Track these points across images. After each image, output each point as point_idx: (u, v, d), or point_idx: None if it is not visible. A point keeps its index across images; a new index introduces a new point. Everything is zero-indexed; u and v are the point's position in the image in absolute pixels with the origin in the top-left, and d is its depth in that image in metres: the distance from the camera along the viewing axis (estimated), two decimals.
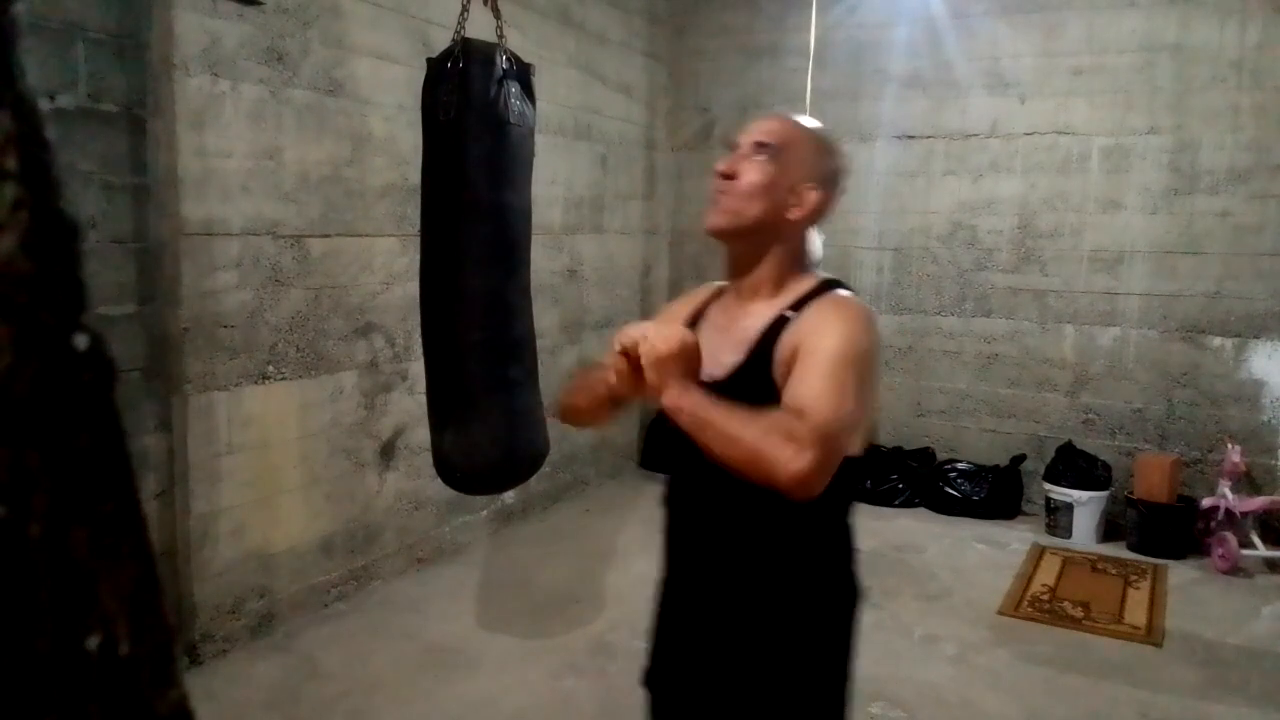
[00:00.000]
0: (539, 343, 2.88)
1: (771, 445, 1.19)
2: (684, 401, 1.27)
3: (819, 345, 1.28)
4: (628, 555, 4.17)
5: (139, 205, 2.85)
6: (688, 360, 1.29)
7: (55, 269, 0.40)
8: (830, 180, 1.46)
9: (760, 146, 1.42)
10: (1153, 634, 3.49)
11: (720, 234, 1.43)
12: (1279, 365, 4.40)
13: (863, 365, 1.29)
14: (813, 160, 1.44)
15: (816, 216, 1.45)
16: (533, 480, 3.17)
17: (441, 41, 2.83)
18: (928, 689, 3.05)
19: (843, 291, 1.42)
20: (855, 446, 1.36)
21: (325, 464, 3.46)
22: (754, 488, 1.23)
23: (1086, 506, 4.48)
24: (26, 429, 0.38)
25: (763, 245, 1.42)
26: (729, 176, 1.41)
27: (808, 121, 1.49)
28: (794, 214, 1.42)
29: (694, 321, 1.50)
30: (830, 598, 1.46)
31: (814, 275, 1.46)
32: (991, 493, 4.77)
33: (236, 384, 3.08)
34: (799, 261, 1.46)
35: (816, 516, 1.38)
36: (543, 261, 4.11)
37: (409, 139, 3.38)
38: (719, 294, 1.55)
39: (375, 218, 3.58)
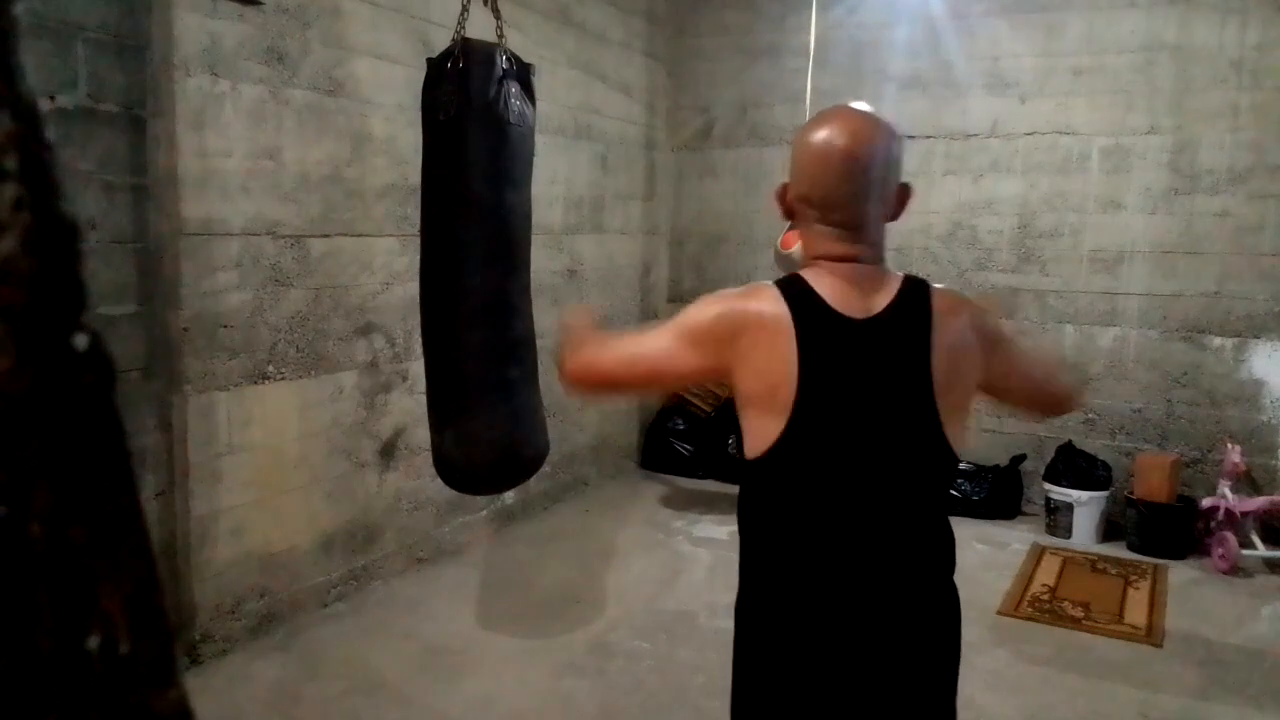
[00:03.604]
0: (539, 343, 2.88)
1: (564, 355, 1.49)
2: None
3: None
4: (628, 555, 4.17)
5: (139, 205, 2.85)
6: (577, 328, 1.59)
7: (55, 269, 0.40)
8: (793, 173, 1.45)
9: None
10: (1153, 634, 3.49)
11: None
12: (1279, 365, 4.40)
13: (678, 324, 1.40)
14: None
15: (782, 211, 1.48)
16: (533, 480, 3.17)
17: (441, 41, 2.83)
18: None
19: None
20: (750, 447, 1.37)
21: (325, 464, 3.46)
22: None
23: (1086, 506, 4.48)
24: (26, 429, 0.38)
25: None
26: None
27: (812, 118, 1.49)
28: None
29: None
30: (747, 599, 1.45)
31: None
32: (991, 493, 4.77)
33: (236, 384, 3.08)
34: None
35: (750, 509, 1.44)
36: (543, 261, 4.11)
37: (409, 139, 3.38)
38: None
39: (375, 218, 3.58)
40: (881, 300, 1.36)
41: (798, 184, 1.42)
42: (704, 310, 1.39)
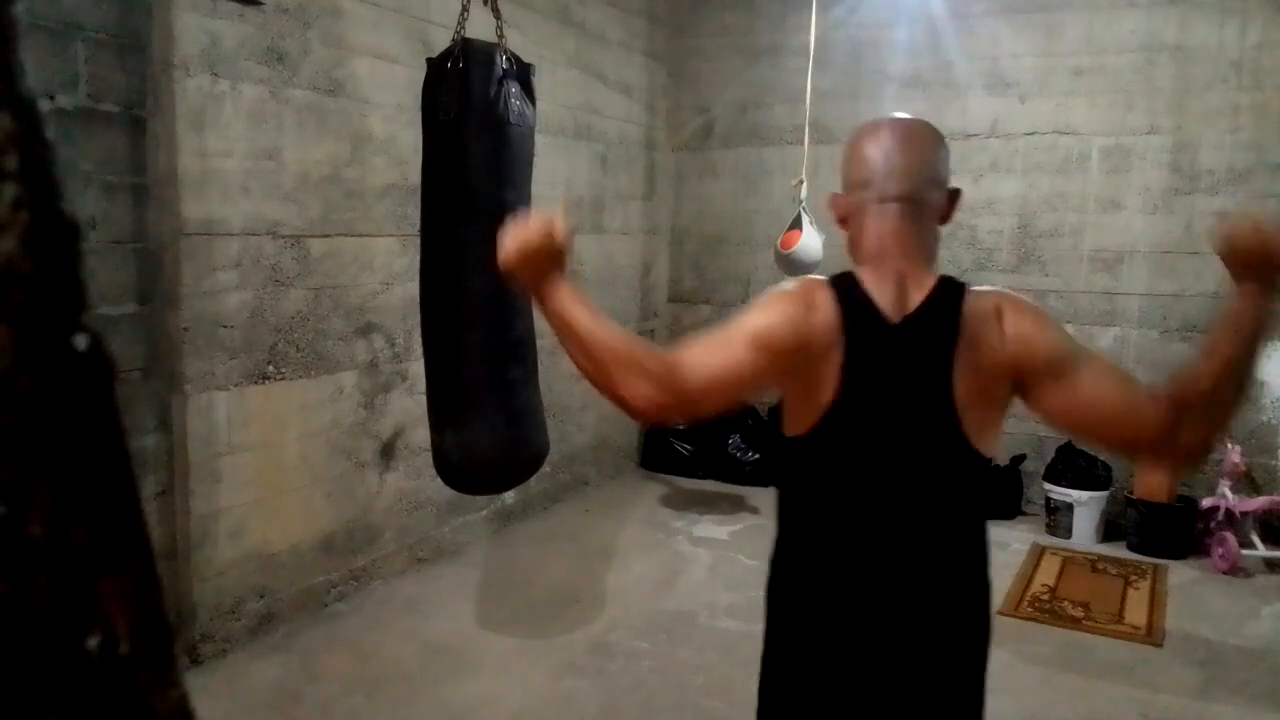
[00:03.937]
0: (539, 343, 2.88)
1: (623, 371, 1.27)
2: (550, 304, 1.32)
3: None
4: (628, 555, 4.17)
5: (139, 205, 2.85)
6: (547, 256, 1.31)
7: (55, 269, 0.40)
8: (845, 171, 1.47)
9: None
10: (1153, 634, 3.49)
11: None
12: (1279, 365, 4.40)
13: (736, 326, 1.35)
14: None
15: (837, 218, 1.50)
16: (533, 480, 3.17)
17: (441, 41, 2.83)
18: None
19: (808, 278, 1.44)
20: (788, 426, 1.39)
21: (325, 464, 3.46)
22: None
23: (1086, 506, 4.48)
24: (27, 429, 0.38)
25: None
26: None
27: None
28: None
29: None
30: (776, 608, 1.48)
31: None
32: (991, 493, 4.77)
33: (236, 384, 3.08)
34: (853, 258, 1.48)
35: (782, 486, 1.47)
36: None
37: (409, 139, 3.38)
38: None
39: (375, 218, 3.58)
40: (914, 303, 1.37)
41: (851, 173, 1.45)
42: (773, 317, 1.35)
